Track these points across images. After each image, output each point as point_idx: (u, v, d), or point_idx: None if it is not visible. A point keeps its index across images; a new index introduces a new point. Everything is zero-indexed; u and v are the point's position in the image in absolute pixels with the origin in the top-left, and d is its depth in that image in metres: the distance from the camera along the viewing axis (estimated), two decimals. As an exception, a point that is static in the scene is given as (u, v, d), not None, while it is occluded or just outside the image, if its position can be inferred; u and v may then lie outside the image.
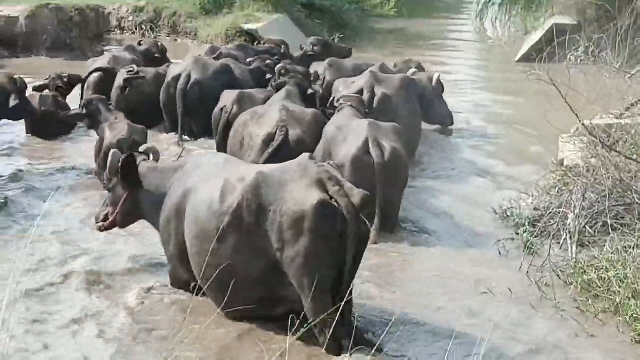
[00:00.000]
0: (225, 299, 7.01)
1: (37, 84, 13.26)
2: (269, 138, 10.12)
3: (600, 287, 7.84)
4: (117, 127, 10.65)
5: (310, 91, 11.80)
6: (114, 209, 8.42)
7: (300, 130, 10.25)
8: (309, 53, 15.11)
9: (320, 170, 6.98)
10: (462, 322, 7.51)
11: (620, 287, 7.69)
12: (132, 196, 8.25)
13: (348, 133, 9.89)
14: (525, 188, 10.46)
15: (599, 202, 8.88)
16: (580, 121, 9.55)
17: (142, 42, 14.49)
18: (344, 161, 9.46)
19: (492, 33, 21.57)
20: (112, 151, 8.59)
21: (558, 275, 8.24)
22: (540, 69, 12.08)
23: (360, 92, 11.73)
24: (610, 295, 7.70)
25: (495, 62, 16.34)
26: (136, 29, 19.75)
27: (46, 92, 13.03)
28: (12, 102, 11.89)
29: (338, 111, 10.78)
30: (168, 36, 18.43)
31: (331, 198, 6.78)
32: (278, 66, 12.65)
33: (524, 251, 8.93)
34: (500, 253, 9.04)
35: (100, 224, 8.59)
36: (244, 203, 7.00)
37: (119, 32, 19.74)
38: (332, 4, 19.96)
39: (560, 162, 10.46)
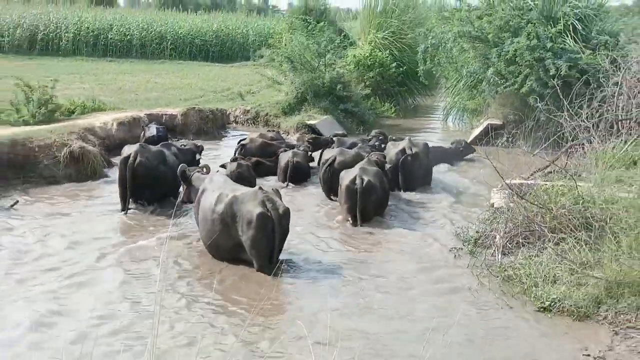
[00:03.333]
0: (215, 254, 8.59)
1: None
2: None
3: (515, 279, 7.94)
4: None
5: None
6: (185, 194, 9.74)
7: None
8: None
9: (263, 196, 8.20)
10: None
11: (527, 279, 7.79)
12: (188, 189, 9.63)
13: (349, 173, 10.75)
14: (471, 219, 10.52)
15: (514, 229, 8.95)
16: (503, 180, 9.67)
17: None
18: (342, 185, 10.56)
19: (452, 127, 21.60)
20: (180, 165, 9.85)
21: (489, 271, 8.32)
22: (481, 151, 12.29)
23: (403, 149, 12.72)
24: (521, 284, 7.80)
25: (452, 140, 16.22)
26: (244, 123, 19.83)
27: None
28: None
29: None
30: (263, 127, 18.48)
31: (268, 211, 8.08)
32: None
33: (469, 255, 8.98)
34: (455, 257, 9.07)
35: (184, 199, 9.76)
36: (226, 209, 8.31)
37: (234, 124, 19.80)
38: (358, 110, 20.00)
39: (491, 205, 10.50)
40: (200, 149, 12.64)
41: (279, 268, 8.07)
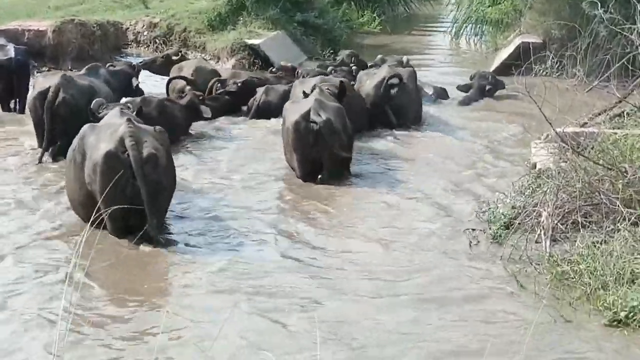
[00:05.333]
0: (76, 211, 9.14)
1: None
2: None
3: (572, 278, 7.80)
4: None
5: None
6: None
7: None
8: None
9: (126, 131, 8.47)
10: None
11: (590, 278, 7.64)
12: None
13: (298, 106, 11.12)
14: (500, 187, 10.39)
15: (569, 202, 8.79)
16: (553, 128, 9.49)
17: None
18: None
19: (466, 48, 21.47)
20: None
21: (534, 267, 8.16)
22: (516, 81, 12.20)
23: (382, 79, 13.40)
24: (582, 286, 7.65)
25: (470, 73, 16.12)
26: (150, 43, 19.54)
27: None
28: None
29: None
30: (180, 48, 18.11)
31: (123, 151, 8.37)
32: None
33: (491, 242, 8.85)
34: (470, 245, 8.92)
35: None
36: (77, 143, 8.94)
37: (135, 45, 19.52)
38: (325, 22, 19.80)
39: (532, 166, 10.35)
40: (136, 70, 13.46)
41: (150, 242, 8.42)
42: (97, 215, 6.76)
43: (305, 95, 11.57)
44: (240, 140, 12.89)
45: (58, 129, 11.02)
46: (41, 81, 11.64)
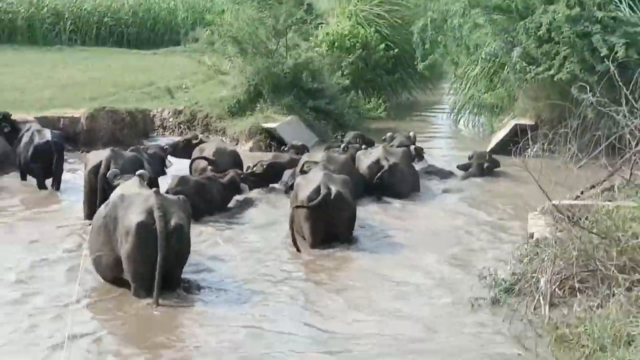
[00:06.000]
0: (99, 271, 9.24)
1: None
2: None
3: (571, 341, 7.61)
4: None
5: None
6: None
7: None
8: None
9: (154, 202, 8.59)
10: None
11: (588, 340, 7.46)
12: None
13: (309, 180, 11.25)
14: (499, 256, 10.26)
15: (566, 269, 8.65)
16: (549, 200, 9.40)
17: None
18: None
19: (465, 132, 21.51)
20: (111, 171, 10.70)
21: (535, 330, 7.99)
22: (512, 161, 12.16)
23: (377, 160, 13.70)
24: (581, 348, 7.47)
25: (469, 152, 16.10)
26: (175, 128, 19.63)
27: None
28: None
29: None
30: (202, 133, 18.17)
31: (153, 222, 8.48)
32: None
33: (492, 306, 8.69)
34: (472, 307, 8.77)
35: None
36: (109, 212, 8.99)
37: (162, 130, 19.63)
38: (335, 108, 19.96)
39: (530, 235, 10.20)
40: (167, 153, 14.00)
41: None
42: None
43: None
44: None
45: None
46: (92, 156, 12.20)
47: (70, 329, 7.66)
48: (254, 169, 13.85)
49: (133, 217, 8.62)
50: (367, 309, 8.93)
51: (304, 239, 11.00)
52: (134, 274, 8.68)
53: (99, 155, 12.02)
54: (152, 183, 10.48)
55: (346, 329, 8.35)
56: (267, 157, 14.91)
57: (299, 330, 8.31)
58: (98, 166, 11.62)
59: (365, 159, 13.94)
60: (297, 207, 10.88)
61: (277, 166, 14.01)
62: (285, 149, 15.74)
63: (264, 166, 13.91)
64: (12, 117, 14.76)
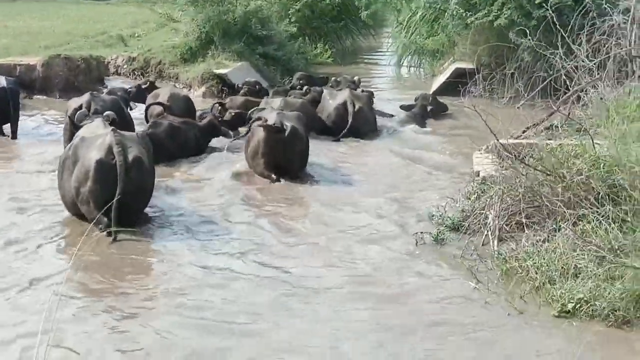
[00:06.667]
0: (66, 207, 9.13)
1: None
2: None
3: (521, 273, 7.39)
4: None
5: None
6: None
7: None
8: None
9: (112, 139, 8.51)
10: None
11: (537, 273, 7.25)
12: None
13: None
14: (446, 194, 9.93)
15: (513, 205, 8.40)
16: (496, 139, 9.12)
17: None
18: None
19: (407, 75, 21.23)
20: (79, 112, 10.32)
21: (484, 264, 7.75)
22: (454, 102, 11.84)
23: (344, 102, 13.52)
24: (531, 280, 7.25)
25: (412, 95, 15.78)
26: (129, 74, 19.15)
27: None
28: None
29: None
30: (155, 80, 17.62)
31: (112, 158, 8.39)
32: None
33: (435, 242, 8.39)
34: (417, 244, 8.42)
35: None
36: (72, 152, 8.88)
37: (116, 76, 19.05)
38: (283, 54, 19.60)
39: (476, 174, 9.92)
40: (130, 95, 13.96)
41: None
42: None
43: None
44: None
45: None
46: (73, 102, 12.08)
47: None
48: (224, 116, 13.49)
49: (92, 155, 8.49)
50: (320, 250, 8.50)
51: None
52: (94, 208, 8.38)
53: (79, 100, 11.85)
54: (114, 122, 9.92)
55: (297, 270, 7.91)
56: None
57: (248, 269, 7.87)
58: (78, 109, 11.05)
59: (332, 100, 13.77)
60: (261, 126, 10.70)
61: (244, 115, 13.53)
62: (240, 86, 15.64)
63: (233, 114, 13.51)
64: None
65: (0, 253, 8.11)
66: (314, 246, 8.57)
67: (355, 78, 15.92)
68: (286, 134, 10.60)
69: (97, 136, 8.81)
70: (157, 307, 7.03)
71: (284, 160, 10.74)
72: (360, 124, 13.43)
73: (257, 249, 8.37)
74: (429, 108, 14.99)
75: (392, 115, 14.97)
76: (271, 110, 11.76)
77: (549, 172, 8.23)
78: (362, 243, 8.62)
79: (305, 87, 15.06)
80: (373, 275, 7.74)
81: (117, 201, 8.20)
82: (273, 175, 10.73)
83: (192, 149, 12.15)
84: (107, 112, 10.18)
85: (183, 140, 12.02)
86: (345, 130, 13.21)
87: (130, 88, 14.81)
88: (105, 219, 8.27)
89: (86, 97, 11.82)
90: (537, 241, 7.75)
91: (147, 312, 6.91)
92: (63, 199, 9.04)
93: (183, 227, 8.96)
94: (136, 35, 22.57)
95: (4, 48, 19.09)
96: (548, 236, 7.76)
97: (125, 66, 19.27)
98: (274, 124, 10.63)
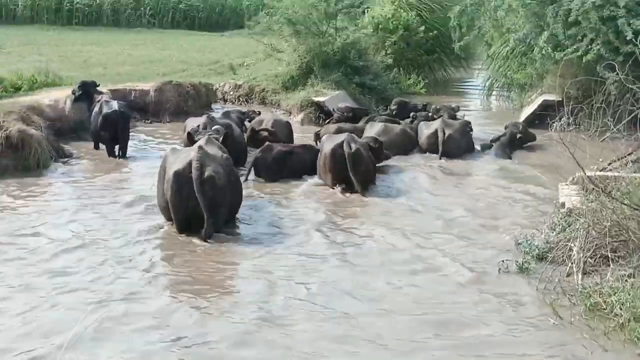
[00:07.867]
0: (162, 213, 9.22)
1: None
2: None
3: (605, 309, 6.73)
4: None
5: None
6: None
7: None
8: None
9: (195, 155, 8.60)
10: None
11: (621, 309, 6.58)
12: None
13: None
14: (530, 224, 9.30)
15: (598, 239, 7.74)
16: (583, 171, 8.46)
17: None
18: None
19: (495, 106, 20.60)
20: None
21: (568, 298, 7.10)
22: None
23: (434, 131, 13.75)
24: (614, 316, 6.59)
25: (500, 125, 15.22)
26: (235, 100, 19.20)
27: None
28: None
29: None
30: (259, 105, 17.69)
31: (189, 171, 8.49)
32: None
33: (521, 272, 7.78)
34: (499, 271, 7.85)
35: None
36: (162, 162, 9.25)
37: (223, 102, 19.12)
38: (378, 84, 19.33)
39: (561, 205, 9.25)
40: (245, 117, 14.50)
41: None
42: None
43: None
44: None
45: None
46: (190, 121, 12.83)
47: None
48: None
49: (175, 166, 8.69)
50: (399, 266, 8.11)
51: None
52: (174, 216, 8.75)
53: (196, 121, 12.43)
54: (227, 138, 10.26)
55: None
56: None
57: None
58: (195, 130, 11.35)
59: (426, 129, 13.96)
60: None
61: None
62: (333, 111, 15.69)
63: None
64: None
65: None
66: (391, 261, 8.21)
67: (454, 105, 15.75)
68: (350, 154, 10.88)
69: (187, 150, 9.11)
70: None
71: (348, 176, 10.90)
72: (450, 149, 13.45)
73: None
74: (518, 136, 14.33)
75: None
76: (347, 134, 11.66)
77: (635, 207, 7.55)
78: (443, 268, 8.14)
79: (412, 116, 15.06)
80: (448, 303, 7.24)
81: (194, 210, 8.49)
82: (339, 188, 10.97)
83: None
84: (216, 127, 10.34)
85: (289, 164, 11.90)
86: (438, 155, 13.32)
87: (248, 112, 15.22)
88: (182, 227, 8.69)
89: (203, 118, 12.39)
90: (622, 276, 7.09)
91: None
92: (158, 205, 9.21)
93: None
94: (245, 64, 22.76)
95: (126, 74, 19.46)
96: (634, 271, 7.11)
97: (231, 92, 19.32)
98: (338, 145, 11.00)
